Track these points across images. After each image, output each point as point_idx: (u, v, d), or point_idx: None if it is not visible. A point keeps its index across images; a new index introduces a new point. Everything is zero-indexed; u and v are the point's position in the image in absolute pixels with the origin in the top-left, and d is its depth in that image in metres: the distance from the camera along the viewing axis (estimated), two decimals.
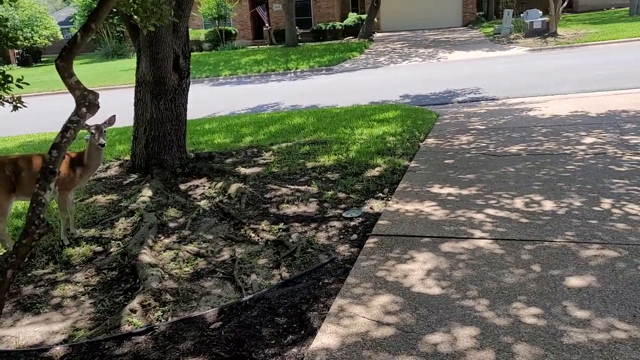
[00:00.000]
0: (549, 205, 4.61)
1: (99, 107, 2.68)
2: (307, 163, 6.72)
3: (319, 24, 30.66)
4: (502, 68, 15.37)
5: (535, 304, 3.14)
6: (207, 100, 15.03)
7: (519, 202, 4.74)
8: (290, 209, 5.27)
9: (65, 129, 2.51)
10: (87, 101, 2.53)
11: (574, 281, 3.35)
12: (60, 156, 2.46)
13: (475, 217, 4.51)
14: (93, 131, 4.56)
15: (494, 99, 10.92)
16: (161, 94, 6.48)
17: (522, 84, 12.15)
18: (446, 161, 6.29)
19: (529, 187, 5.12)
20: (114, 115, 4.78)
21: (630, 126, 7.09)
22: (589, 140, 6.60)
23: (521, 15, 23.48)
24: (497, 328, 2.94)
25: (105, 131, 4.62)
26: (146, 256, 4.27)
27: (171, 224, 5.15)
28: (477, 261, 3.73)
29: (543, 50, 18.69)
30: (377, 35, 29.84)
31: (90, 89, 2.62)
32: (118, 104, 10.64)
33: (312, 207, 5.26)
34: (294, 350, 3.00)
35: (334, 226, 4.75)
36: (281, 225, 4.89)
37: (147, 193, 5.85)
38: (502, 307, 3.14)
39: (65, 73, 2.57)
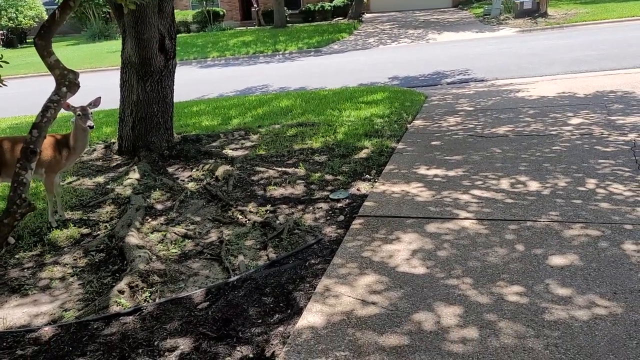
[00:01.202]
0: (534, 185, 4.66)
1: (79, 86, 2.65)
2: (295, 145, 6.71)
3: (308, 5, 30.32)
4: (491, 49, 15.34)
5: (518, 282, 3.19)
6: (195, 82, 14.90)
7: (504, 183, 4.78)
8: (277, 191, 5.28)
9: (46, 108, 2.48)
10: (67, 80, 2.51)
11: (557, 260, 3.40)
12: (41, 136, 2.44)
13: (461, 198, 4.55)
14: (79, 113, 4.50)
15: (482, 81, 10.92)
16: (147, 75, 6.41)
17: (511, 65, 12.15)
18: (433, 143, 6.31)
19: (515, 167, 5.15)
20: (99, 97, 4.73)
21: (617, 107, 7.13)
22: (575, 121, 6.64)
23: None
24: (481, 306, 2.99)
25: (91, 113, 4.57)
26: (133, 238, 4.27)
27: (158, 206, 5.14)
28: (461, 241, 3.77)
29: (533, 31, 18.66)
30: (367, 16, 29.61)
31: (70, 68, 2.59)
32: (105, 86, 10.53)
33: (299, 189, 5.27)
34: (280, 328, 3.03)
35: (321, 208, 4.77)
36: (268, 207, 4.90)
37: (134, 175, 5.83)
38: (486, 285, 3.18)
39: (45, 52, 2.53)
